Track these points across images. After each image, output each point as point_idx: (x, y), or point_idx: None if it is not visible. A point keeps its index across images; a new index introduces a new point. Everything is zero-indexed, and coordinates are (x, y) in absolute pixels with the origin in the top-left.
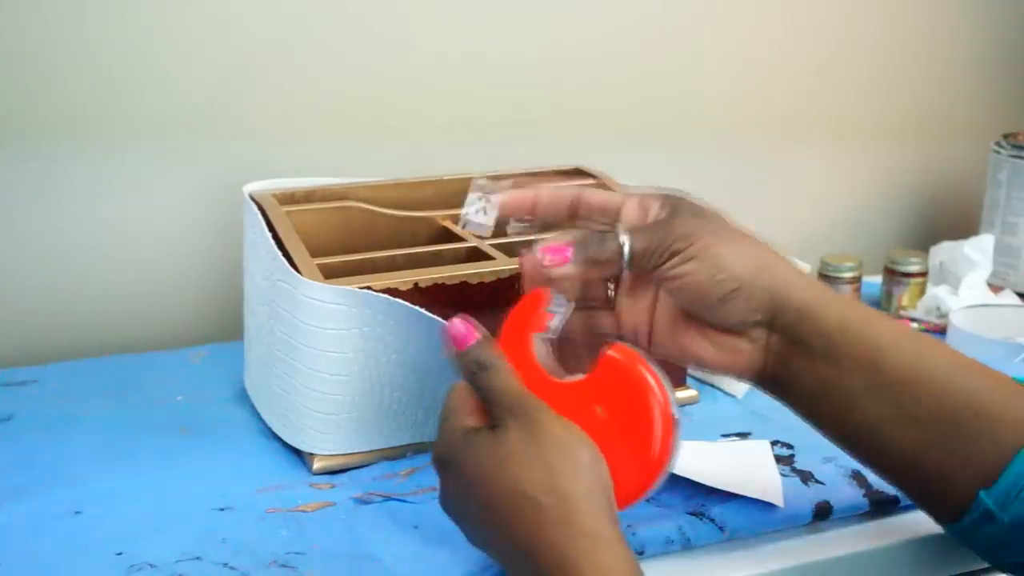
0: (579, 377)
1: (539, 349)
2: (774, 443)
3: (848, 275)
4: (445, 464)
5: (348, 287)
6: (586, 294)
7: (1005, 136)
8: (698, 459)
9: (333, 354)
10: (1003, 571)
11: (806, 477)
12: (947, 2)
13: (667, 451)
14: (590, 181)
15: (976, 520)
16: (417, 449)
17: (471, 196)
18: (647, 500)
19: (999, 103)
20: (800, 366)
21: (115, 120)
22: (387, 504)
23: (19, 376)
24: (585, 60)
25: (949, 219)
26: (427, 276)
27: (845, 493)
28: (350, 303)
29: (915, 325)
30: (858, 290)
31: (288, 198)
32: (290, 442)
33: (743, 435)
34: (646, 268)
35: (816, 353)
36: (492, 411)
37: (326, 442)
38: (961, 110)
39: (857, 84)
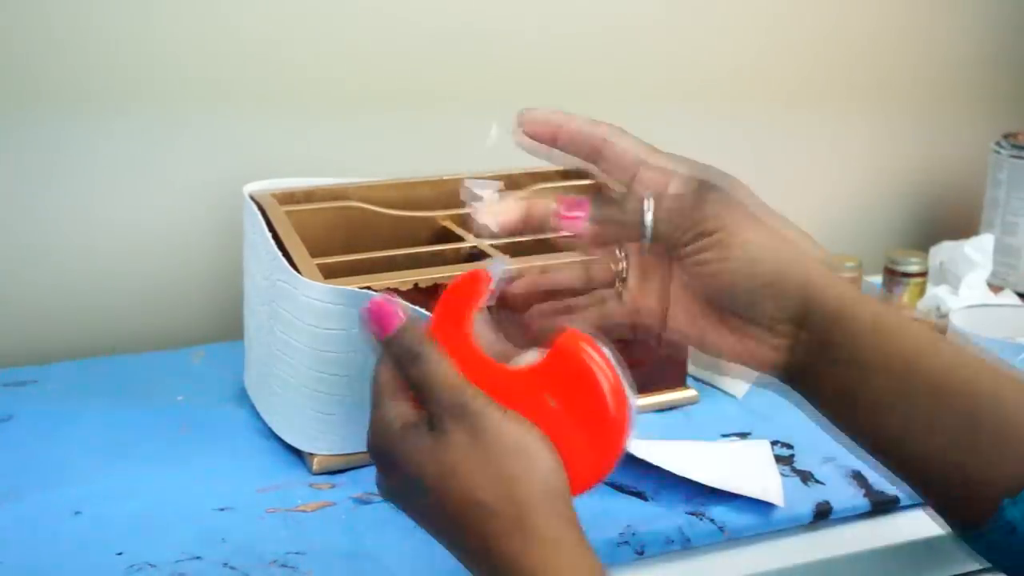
0: (525, 362)
1: (481, 331)
2: (774, 443)
3: (848, 275)
4: (381, 456)
5: (348, 287)
6: (592, 275)
7: (1005, 136)
8: (698, 459)
9: (333, 354)
10: None
11: (806, 477)
12: (947, 2)
13: (622, 436)
14: (591, 181)
15: (996, 530)
16: None
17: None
18: (645, 500)
19: (999, 103)
20: (827, 367)
21: (115, 120)
22: (387, 504)
23: (19, 376)
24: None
25: (949, 219)
26: (427, 276)
27: (845, 493)
28: (349, 303)
29: None
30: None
31: (288, 198)
32: (290, 442)
33: (743, 435)
34: (668, 243)
35: (846, 355)
36: (429, 408)
37: (326, 442)
38: (961, 110)
39: (857, 84)
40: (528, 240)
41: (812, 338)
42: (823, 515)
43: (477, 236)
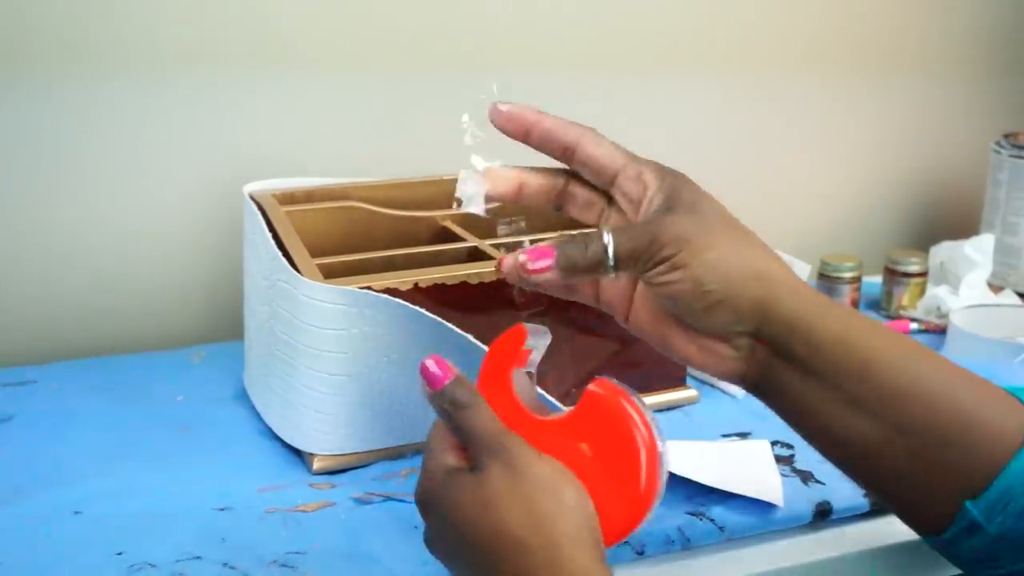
0: (561, 414)
1: (520, 385)
2: (774, 443)
3: (848, 275)
4: (427, 504)
5: (348, 287)
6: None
7: (1005, 136)
8: (698, 459)
9: (332, 354)
10: None
11: (806, 477)
12: (947, 2)
13: (654, 487)
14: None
15: (960, 532)
16: (417, 449)
17: (463, 173)
18: None
19: (999, 103)
20: (785, 377)
21: (115, 119)
22: (387, 504)
23: (19, 376)
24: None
25: (949, 219)
26: (427, 276)
27: (845, 493)
28: (349, 303)
29: (915, 325)
30: (858, 290)
31: (288, 198)
32: (290, 442)
33: (743, 435)
34: (632, 272)
35: (802, 365)
36: (470, 451)
37: (326, 442)
38: (961, 110)
39: (857, 84)
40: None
41: (768, 349)
42: (823, 515)
43: (458, 206)
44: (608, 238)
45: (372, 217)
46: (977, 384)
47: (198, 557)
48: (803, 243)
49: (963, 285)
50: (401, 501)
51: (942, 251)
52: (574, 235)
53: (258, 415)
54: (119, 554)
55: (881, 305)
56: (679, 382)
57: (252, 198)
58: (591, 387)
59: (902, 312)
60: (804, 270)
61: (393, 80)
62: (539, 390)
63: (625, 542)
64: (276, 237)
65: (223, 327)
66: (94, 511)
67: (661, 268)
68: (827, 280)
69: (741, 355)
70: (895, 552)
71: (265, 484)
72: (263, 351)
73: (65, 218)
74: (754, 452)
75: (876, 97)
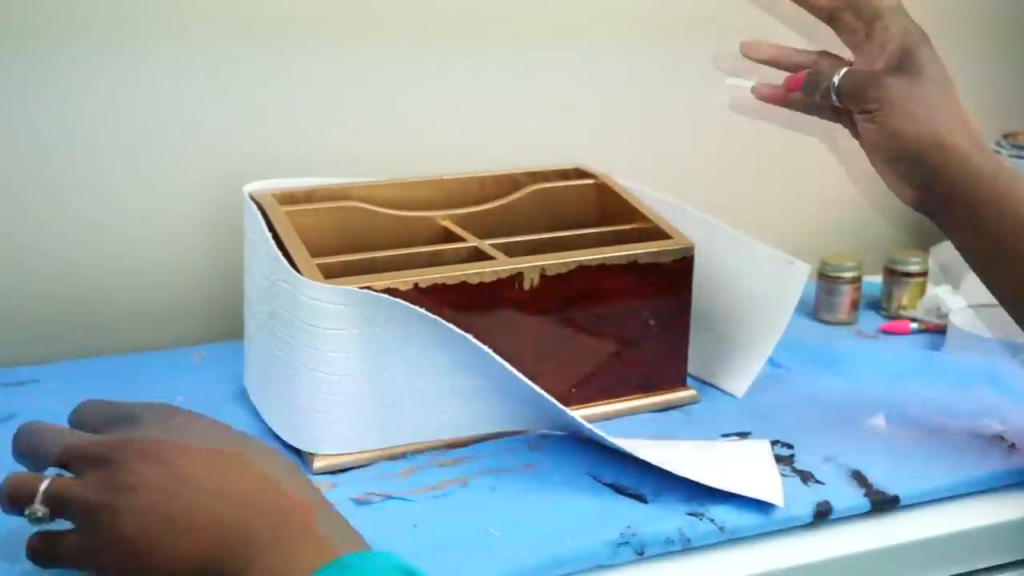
0: None
1: None
2: (774, 443)
3: (848, 275)
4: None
5: (348, 287)
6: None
7: (1005, 136)
8: (698, 459)
9: (332, 354)
10: None
11: (806, 477)
12: (947, 2)
13: None
14: (590, 181)
15: None
16: (417, 449)
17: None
18: (645, 501)
19: (999, 103)
20: (946, 218)
21: (115, 118)
22: (387, 504)
23: (19, 376)
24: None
25: None
26: (427, 276)
27: (845, 493)
28: (349, 303)
29: (915, 325)
30: (858, 290)
31: (288, 198)
32: (290, 442)
33: (743, 435)
34: (846, 105)
35: (959, 214)
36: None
37: (326, 442)
38: None
39: None
40: (528, 240)
41: (937, 196)
42: (823, 515)
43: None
44: (837, 77)
45: (372, 217)
46: None
47: None
48: (803, 243)
49: (963, 285)
50: (401, 500)
51: (942, 251)
52: (821, 71)
53: (258, 415)
54: None
55: (881, 305)
56: (679, 382)
57: (252, 198)
58: None
59: (902, 312)
60: (804, 270)
61: (394, 79)
62: (538, 389)
63: (625, 542)
64: (276, 237)
65: (223, 327)
66: None
67: (864, 116)
68: (827, 280)
69: (918, 193)
70: (895, 552)
71: None
72: (263, 351)
73: (65, 218)
74: (754, 452)
75: None
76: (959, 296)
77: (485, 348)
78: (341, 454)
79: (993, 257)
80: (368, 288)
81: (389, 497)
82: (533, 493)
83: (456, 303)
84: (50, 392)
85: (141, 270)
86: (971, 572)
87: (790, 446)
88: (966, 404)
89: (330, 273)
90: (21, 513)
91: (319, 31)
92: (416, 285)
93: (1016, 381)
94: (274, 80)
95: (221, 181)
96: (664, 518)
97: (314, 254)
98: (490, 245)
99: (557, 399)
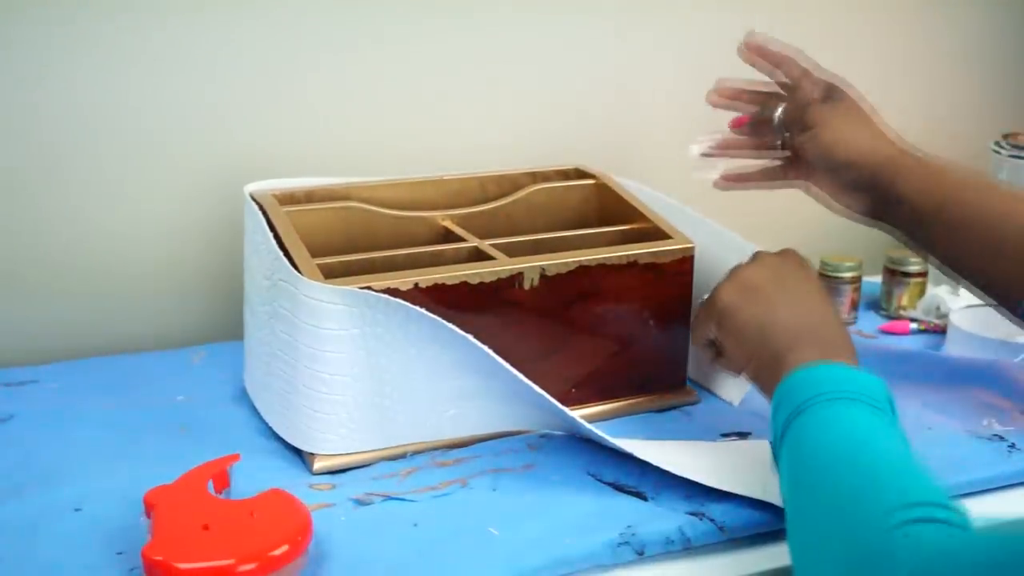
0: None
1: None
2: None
3: (848, 275)
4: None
5: (348, 287)
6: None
7: (1005, 136)
8: (698, 459)
9: (332, 354)
10: None
11: None
12: (947, 2)
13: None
14: (590, 181)
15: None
16: (417, 449)
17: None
18: (645, 500)
19: (999, 103)
20: (892, 217)
21: (115, 118)
22: (387, 504)
23: (19, 376)
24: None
25: None
26: (427, 276)
27: None
28: (349, 303)
29: (915, 325)
30: (858, 290)
31: (288, 198)
32: (291, 442)
33: (743, 435)
34: (790, 137)
35: (901, 210)
36: None
37: (326, 442)
38: (961, 110)
39: (856, 84)
40: (528, 240)
41: (880, 197)
42: None
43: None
44: (778, 111)
45: (373, 217)
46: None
47: None
48: (803, 243)
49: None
50: (401, 500)
51: None
52: (759, 109)
53: (258, 415)
54: (119, 554)
55: (881, 305)
56: (679, 382)
57: (253, 198)
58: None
59: (902, 312)
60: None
61: (393, 79)
62: (538, 389)
63: (625, 542)
64: (277, 237)
65: (223, 327)
66: (94, 510)
67: (804, 137)
68: (827, 280)
69: (865, 199)
70: None
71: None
72: (264, 351)
73: (65, 218)
74: (754, 452)
75: (875, 97)
76: (958, 296)
77: (485, 348)
78: (341, 454)
79: (933, 231)
80: (368, 288)
81: (389, 497)
82: (533, 493)
83: (456, 303)
84: (50, 392)
85: (141, 271)
86: None
87: None
88: (965, 404)
89: (330, 273)
90: None
91: (319, 31)
92: (416, 285)
93: (1015, 381)
94: (275, 80)
95: (222, 181)
96: (664, 518)
97: (314, 254)
98: (490, 245)
99: (557, 399)
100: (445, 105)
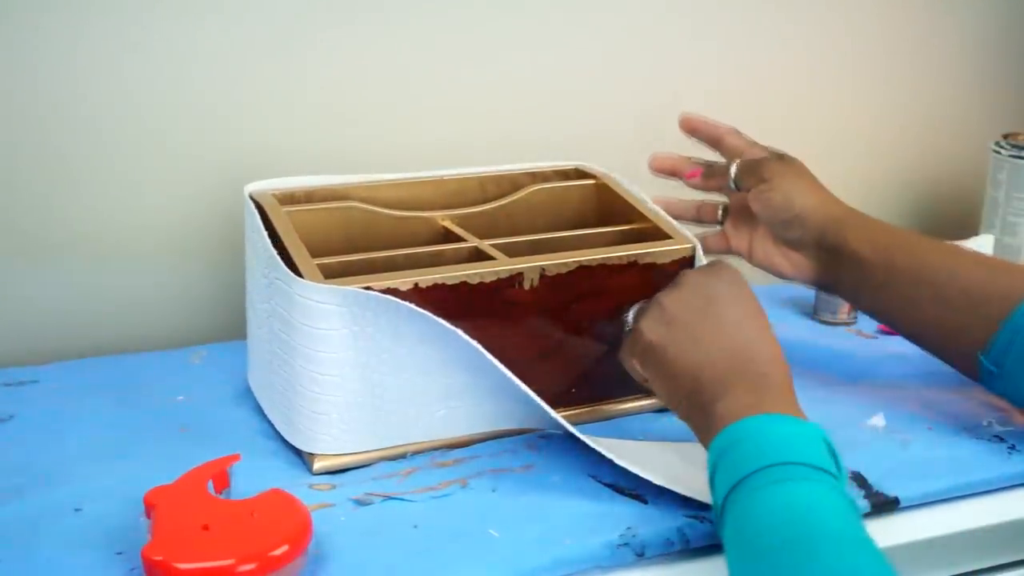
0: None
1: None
2: None
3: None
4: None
5: (338, 286)
6: (703, 217)
7: (1005, 136)
8: (688, 465)
9: (325, 354)
10: None
11: None
12: (947, 2)
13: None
14: (590, 181)
15: (985, 377)
16: (417, 450)
17: None
18: (645, 502)
19: (999, 103)
20: (840, 275)
21: (115, 117)
22: (387, 504)
23: (19, 376)
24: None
25: (948, 219)
26: (427, 276)
27: None
28: (341, 303)
29: None
30: None
31: (288, 198)
32: (291, 441)
33: None
34: (743, 187)
35: (850, 266)
36: None
37: (324, 442)
38: (961, 110)
39: (856, 84)
40: (528, 240)
41: (828, 255)
42: None
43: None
44: (734, 166)
45: (373, 217)
46: (977, 262)
47: None
48: None
49: None
50: (402, 500)
51: None
52: (714, 165)
53: (258, 415)
54: (119, 554)
55: None
56: None
57: (253, 198)
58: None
59: None
60: None
61: (393, 79)
62: (531, 393)
63: (624, 543)
64: (277, 237)
65: (224, 327)
66: (94, 511)
67: (760, 187)
68: None
69: (811, 259)
70: (895, 552)
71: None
72: (264, 349)
73: (65, 217)
74: None
75: (875, 97)
76: None
77: (475, 344)
78: (341, 454)
79: (879, 288)
80: (369, 288)
81: (389, 497)
82: (533, 494)
83: (456, 303)
84: (50, 392)
85: (141, 270)
86: (972, 572)
87: None
88: (965, 405)
89: (330, 273)
90: None
91: (319, 31)
92: (416, 285)
93: None
94: (277, 77)
95: (223, 179)
96: (664, 519)
97: (315, 254)
98: (490, 245)
99: (557, 399)
100: (445, 104)
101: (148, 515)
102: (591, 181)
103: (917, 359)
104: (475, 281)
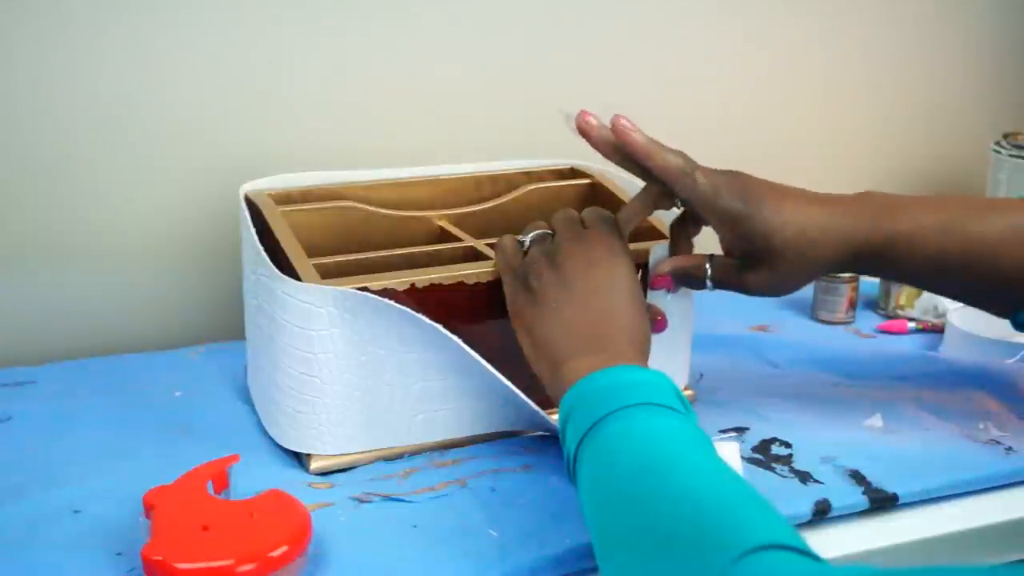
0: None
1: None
2: (772, 441)
3: (847, 275)
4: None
5: (323, 286)
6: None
7: (1005, 136)
8: None
9: (311, 354)
10: None
11: (805, 477)
12: (947, 2)
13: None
14: (586, 181)
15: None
16: (415, 450)
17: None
18: None
19: (999, 103)
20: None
21: (113, 118)
22: (386, 504)
23: (19, 376)
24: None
25: None
26: (424, 276)
27: (844, 492)
28: (333, 304)
29: (912, 324)
30: (856, 290)
31: (284, 198)
32: (278, 440)
33: (740, 430)
34: (720, 286)
35: (894, 274)
36: None
37: (315, 443)
38: (961, 110)
39: (857, 84)
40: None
41: (868, 270)
42: (822, 513)
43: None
44: (707, 265)
45: (369, 217)
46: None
47: None
48: None
49: None
50: (400, 501)
51: None
52: (687, 271)
53: (256, 415)
54: (119, 554)
55: (879, 305)
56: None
57: (248, 198)
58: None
59: (899, 312)
60: None
61: (392, 79)
62: (521, 395)
63: None
64: (273, 237)
65: (223, 327)
66: (94, 511)
67: (763, 272)
68: (825, 280)
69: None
70: (895, 551)
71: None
72: (260, 350)
73: (63, 218)
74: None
75: (875, 97)
76: None
77: (458, 340)
78: (338, 455)
79: (915, 272)
80: (364, 288)
81: (389, 497)
82: (532, 494)
83: (452, 303)
84: (49, 392)
85: (141, 270)
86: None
87: (789, 445)
88: (963, 404)
89: (327, 273)
90: None
91: (315, 31)
92: (412, 285)
93: (1012, 386)
94: (272, 76)
95: (221, 178)
96: None
97: (310, 254)
98: (486, 245)
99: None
100: (442, 104)
101: (147, 515)
102: (586, 180)
103: (915, 359)
104: (472, 281)
